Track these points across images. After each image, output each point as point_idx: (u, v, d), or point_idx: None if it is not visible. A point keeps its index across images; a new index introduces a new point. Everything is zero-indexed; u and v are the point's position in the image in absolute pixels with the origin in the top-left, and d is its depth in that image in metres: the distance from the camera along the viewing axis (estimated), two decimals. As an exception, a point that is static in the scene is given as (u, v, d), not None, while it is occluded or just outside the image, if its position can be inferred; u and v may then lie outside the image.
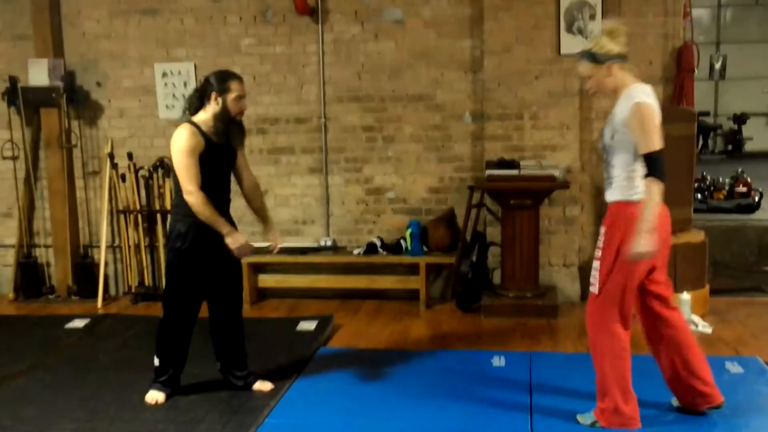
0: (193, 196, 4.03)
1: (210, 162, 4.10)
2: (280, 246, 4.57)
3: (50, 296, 7.04)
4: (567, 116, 6.22)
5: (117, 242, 6.97)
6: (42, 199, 7.11)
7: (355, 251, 6.62)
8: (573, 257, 6.40)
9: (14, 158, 6.95)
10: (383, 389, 4.50)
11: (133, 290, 6.82)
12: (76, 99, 6.86)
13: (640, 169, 3.59)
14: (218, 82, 4.11)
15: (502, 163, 6.01)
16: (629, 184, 3.65)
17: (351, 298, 6.67)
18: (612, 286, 3.71)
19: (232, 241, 4.09)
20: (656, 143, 3.54)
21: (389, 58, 6.51)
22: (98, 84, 6.92)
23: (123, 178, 6.76)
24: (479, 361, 4.93)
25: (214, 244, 4.15)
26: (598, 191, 6.42)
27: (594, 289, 3.78)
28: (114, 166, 6.79)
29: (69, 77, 6.82)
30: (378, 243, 6.59)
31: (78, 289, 6.98)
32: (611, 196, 3.75)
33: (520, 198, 5.90)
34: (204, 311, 4.41)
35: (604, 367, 3.75)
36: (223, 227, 4.08)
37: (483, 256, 6.25)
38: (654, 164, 3.51)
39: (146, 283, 6.85)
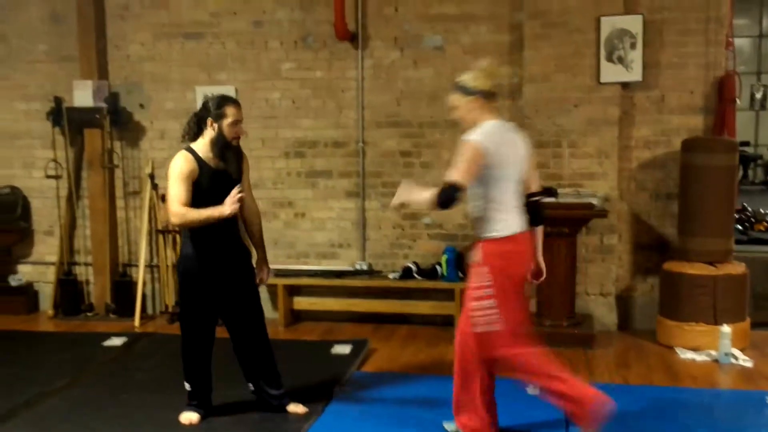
0: (175, 216, 4.06)
1: (207, 187, 4.11)
2: (266, 282, 4.54)
3: (89, 314, 7.13)
4: (606, 144, 6.18)
5: (155, 261, 7.06)
6: (83, 218, 7.23)
7: (391, 275, 6.62)
8: (610, 286, 6.33)
9: (57, 177, 7.08)
10: (419, 415, 4.49)
11: (169, 310, 6.89)
12: (119, 120, 6.97)
13: (498, 205, 3.67)
14: (214, 107, 4.12)
15: (543, 191, 5.97)
16: (487, 220, 3.72)
17: (385, 322, 6.67)
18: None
19: (225, 209, 3.96)
20: (458, 176, 3.57)
21: (428, 84, 6.55)
22: (141, 106, 7.04)
23: (163, 198, 6.83)
24: (514, 390, 4.87)
25: (222, 264, 4.21)
26: (636, 219, 6.38)
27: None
28: (154, 186, 6.89)
29: (113, 99, 6.94)
30: (414, 268, 6.58)
31: (116, 307, 7.06)
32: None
33: (557, 226, 5.85)
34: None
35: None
36: (214, 211, 4.00)
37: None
38: (445, 192, 3.54)
39: (182, 303, 6.90)
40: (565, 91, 6.16)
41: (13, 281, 7.34)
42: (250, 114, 6.77)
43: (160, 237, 6.94)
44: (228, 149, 4.16)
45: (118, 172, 7.13)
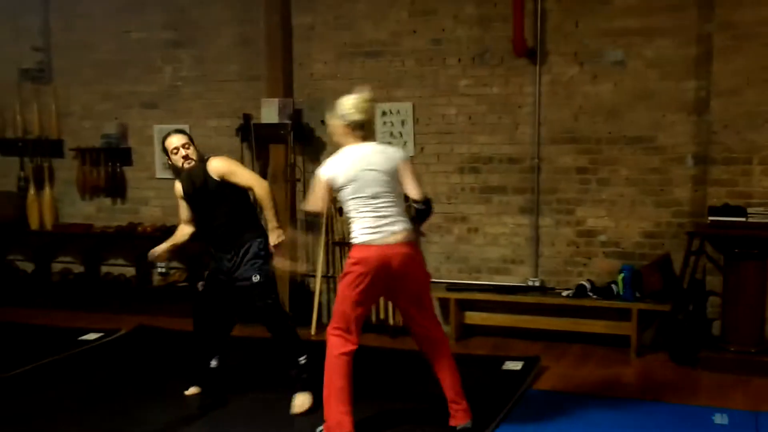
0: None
1: (190, 202, 5.04)
2: (272, 247, 4.98)
3: (268, 320, 7.46)
4: (801, 162, 5.83)
5: (331, 272, 7.31)
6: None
7: (564, 293, 6.52)
8: (804, 313, 5.94)
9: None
10: (595, 436, 4.41)
11: (344, 319, 7.10)
12: (301, 136, 7.30)
13: (354, 217, 4.30)
14: (161, 145, 5.12)
15: (727, 210, 5.72)
16: (351, 229, 4.38)
17: (557, 340, 6.57)
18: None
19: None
20: (307, 203, 4.56)
21: (607, 100, 6.42)
22: (322, 122, 7.32)
23: (340, 211, 7.08)
24: (698, 417, 4.69)
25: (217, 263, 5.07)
26: (836, 243, 5.95)
27: None
28: (333, 200, 7.13)
29: (296, 115, 7.28)
30: (588, 286, 6.45)
31: (294, 315, 7.35)
32: None
33: (746, 247, 5.59)
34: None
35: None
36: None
37: (701, 305, 5.95)
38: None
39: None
40: (757, 105, 5.85)
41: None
42: (426, 130, 6.98)
43: (337, 249, 7.18)
44: (182, 172, 4.98)
45: (300, 186, 7.45)
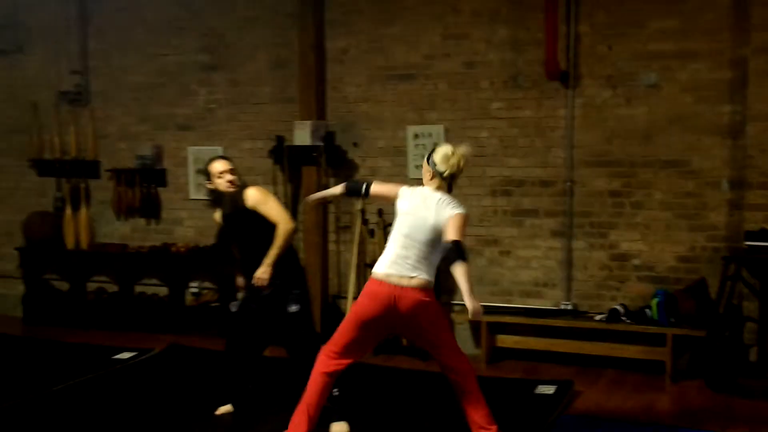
0: None
1: (227, 226, 5.16)
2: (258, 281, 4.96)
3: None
4: (838, 186, 5.75)
5: (363, 294, 7.31)
6: (298, 250, 7.61)
7: (597, 317, 6.47)
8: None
9: (277, 211, 7.54)
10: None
11: (375, 341, 7.10)
12: (333, 158, 7.35)
13: (388, 244, 4.46)
14: (204, 168, 5.21)
15: (765, 234, 5.66)
16: None
17: (590, 364, 6.51)
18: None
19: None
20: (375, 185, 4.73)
21: (641, 123, 6.40)
22: (355, 144, 7.39)
23: (372, 233, 7.12)
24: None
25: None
26: None
27: None
28: (364, 221, 7.17)
29: (329, 137, 7.34)
30: (621, 310, 6.39)
31: (324, 337, 7.34)
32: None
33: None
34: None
35: None
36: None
37: (738, 331, 5.87)
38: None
39: (387, 336, 7.09)
40: (793, 129, 5.81)
41: (233, 307, 7.81)
42: (459, 152, 6.97)
43: (368, 270, 7.18)
44: (215, 196, 5.14)
45: (331, 207, 7.49)
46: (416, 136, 7.11)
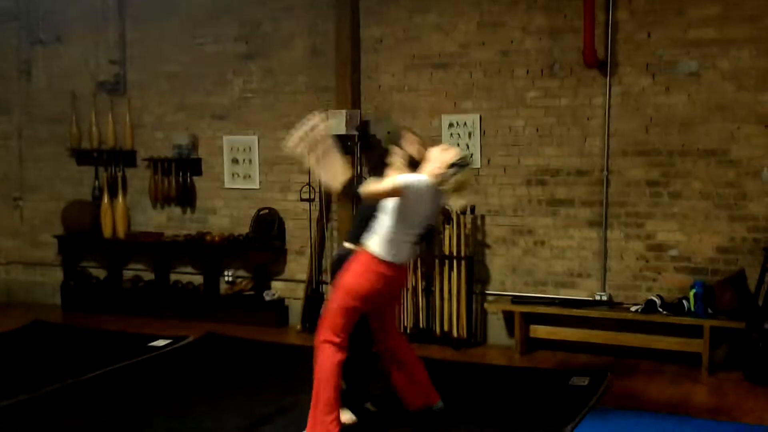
0: None
1: None
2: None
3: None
4: None
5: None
6: (331, 240, 7.66)
7: (633, 308, 6.39)
8: None
9: (310, 200, 7.57)
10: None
11: (408, 331, 7.09)
12: (368, 147, 7.34)
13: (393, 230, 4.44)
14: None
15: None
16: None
17: (625, 356, 6.44)
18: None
19: None
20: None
21: (680, 112, 6.30)
22: (389, 133, 7.36)
23: (406, 222, 7.09)
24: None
25: None
26: None
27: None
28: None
29: (363, 127, 7.33)
30: (657, 301, 6.31)
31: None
32: None
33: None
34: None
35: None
36: None
37: (778, 324, 5.76)
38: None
39: (420, 325, 7.10)
40: (837, 117, 5.68)
41: (267, 296, 7.90)
42: (493, 142, 6.95)
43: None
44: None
45: (365, 198, 7.48)
46: (451, 125, 7.07)
